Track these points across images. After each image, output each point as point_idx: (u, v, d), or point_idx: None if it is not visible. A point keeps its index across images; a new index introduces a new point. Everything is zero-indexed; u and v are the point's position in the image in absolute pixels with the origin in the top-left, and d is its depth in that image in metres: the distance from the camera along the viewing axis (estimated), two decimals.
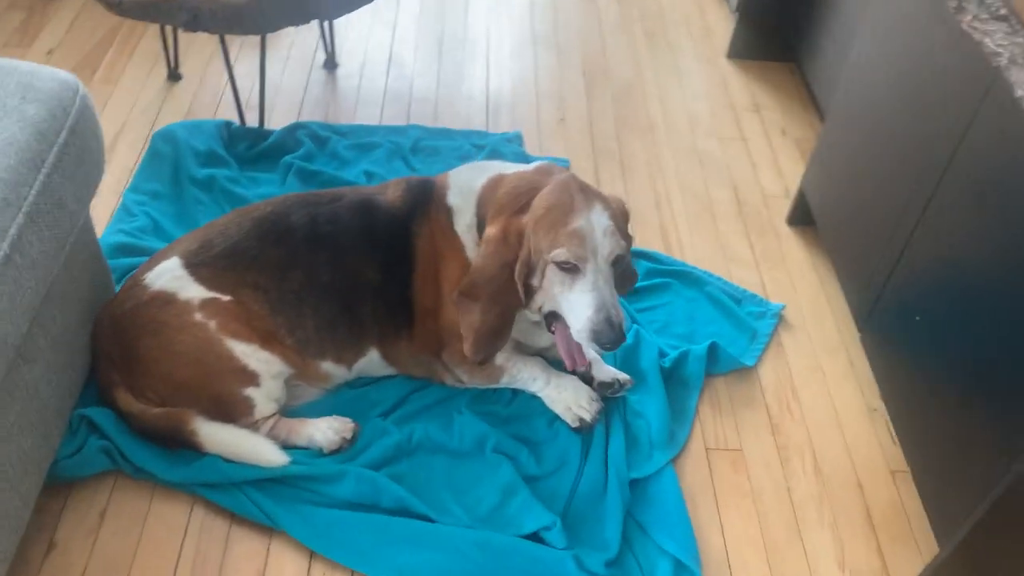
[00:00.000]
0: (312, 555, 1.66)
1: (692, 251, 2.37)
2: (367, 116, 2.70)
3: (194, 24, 2.15)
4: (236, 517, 1.70)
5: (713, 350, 2.03)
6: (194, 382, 1.72)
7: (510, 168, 1.83)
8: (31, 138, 1.43)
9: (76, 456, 1.70)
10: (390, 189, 1.89)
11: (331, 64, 2.88)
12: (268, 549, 1.67)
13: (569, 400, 1.87)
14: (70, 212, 1.53)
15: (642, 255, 2.31)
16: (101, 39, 2.89)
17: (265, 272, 1.76)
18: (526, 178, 1.76)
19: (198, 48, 2.90)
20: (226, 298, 1.74)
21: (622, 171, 2.60)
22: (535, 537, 1.68)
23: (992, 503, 1.48)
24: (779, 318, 2.19)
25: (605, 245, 1.63)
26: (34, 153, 1.43)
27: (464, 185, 1.82)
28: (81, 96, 1.57)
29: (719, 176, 2.62)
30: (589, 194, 1.69)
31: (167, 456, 1.72)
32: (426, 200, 1.84)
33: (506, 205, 1.72)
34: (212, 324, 1.71)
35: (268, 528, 1.69)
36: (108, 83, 2.73)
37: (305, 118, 2.67)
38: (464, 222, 1.80)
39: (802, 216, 2.40)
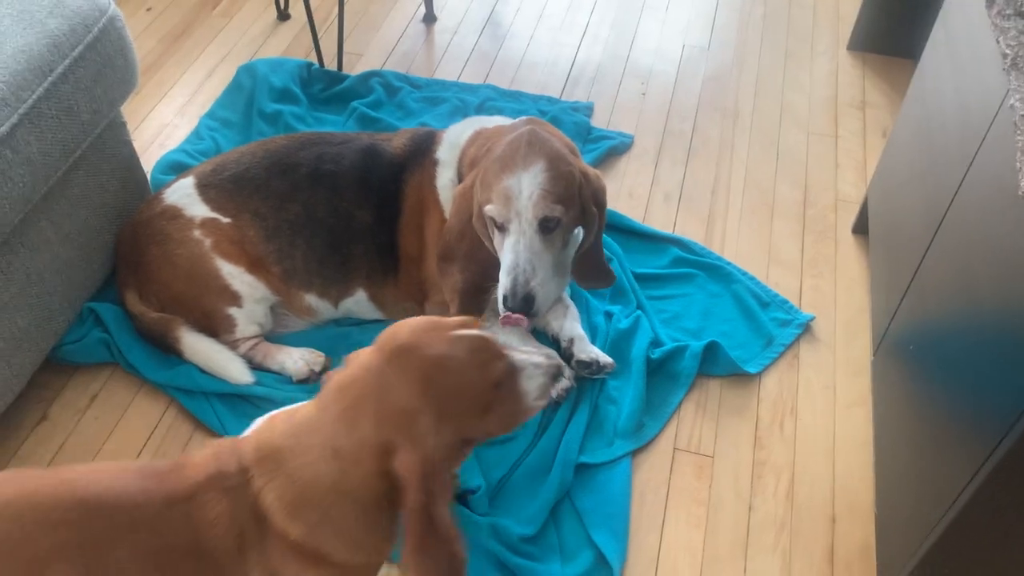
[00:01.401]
0: None
1: (734, 245, 2.23)
2: (448, 72, 2.74)
3: None
4: (200, 424, 1.82)
5: (712, 349, 1.92)
6: (187, 293, 1.85)
7: (496, 122, 1.81)
8: (44, 48, 1.58)
9: (79, 343, 1.88)
10: (397, 137, 1.92)
11: (430, 18, 2.93)
12: None
13: None
14: (83, 121, 1.69)
15: (674, 242, 2.20)
16: None
17: (267, 200, 1.85)
18: (497, 131, 1.73)
19: None
20: (226, 220, 1.85)
21: (687, 154, 2.48)
22: (461, 498, 1.69)
23: (920, 559, 1.33)
24: (804, 329, 2.02)
25: (528, 208, 1.58)
26: (44, 62, 1.58)
27: (453, 140, 1.83)
28: (109, 17, 1.71)
29: (793, 172, 2.43)
30: (536, 150, 1.60)
31: (155, 357, 1.87)
32: (423, 151, 1.86)
33: (475, 157, 1.71)
34: (207, 242, 1.83)
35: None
36: (225, 17, 2.93)
37: (392, 67, 2.74)
38: (446, 176, 1.80)
39: (866, 226, 2.19)
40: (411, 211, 1.83)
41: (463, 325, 1.14)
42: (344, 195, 1.86)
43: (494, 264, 1.71)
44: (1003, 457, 1.11)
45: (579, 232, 1.75)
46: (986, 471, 1.16)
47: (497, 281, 1.70)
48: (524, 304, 1.60)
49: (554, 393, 1.82)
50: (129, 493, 1.07)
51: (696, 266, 2.14)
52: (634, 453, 1.80)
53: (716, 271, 2.13)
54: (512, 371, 1.17)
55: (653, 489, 1.75)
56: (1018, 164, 1.11)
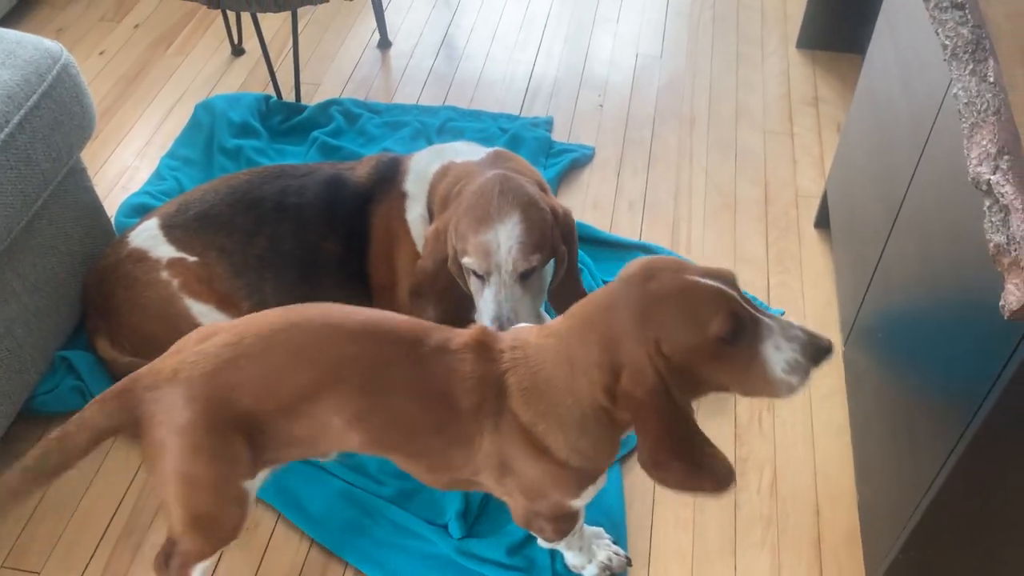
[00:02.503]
0: None
1: (700, 247, 2.26)
2: (406, 96, 2.75)
3: (216, 2, 2.28)
4: None
5: None
6: (158, 335, 1.82)
7: (463, 155, 1.82)
8: None
9: (52, 393, 1.86)
10: (361, 166, 1.93)
11: (385, 44, 2.95)
12: None
13: None
14: (42, 171, 1.68)
15: (641, 248, 2.23)
16: (183, 16, 3.10)
17: (232, 236, 1.85)
18: (468, 168, 1.75)
19: (267, 25, 3.05)
20: (192, 259, 1.84)
21: (648, 161, 2.51)
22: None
23: (904, 542, 1.35)
24: None
25: (508, 262, 1.60)
26: None
27: (420, 171, 1.84)
28: (62, 64, 1.71)
29: (752, 171, 2.48)
30: (509, 200, 1.61)
31: None
32: (389, 180, 1.86)
33: (445, 197, 1.73)
34: (175, 282, 1.82)
35: None
36: (179, 55, 2.93)
37: (350, 95, 2.76)
38: (416, 211, 1.81)
39: (827, 219, 2.23)
40: (380, 241, 1.84)
41: (711, 273, 1.16)
42: (310, 227, 1.86)
43: (468, 300, 1.73)
44: (974, 437, 1.14)
45: (552, 263, 1.76)
46: (959, 451, 1.19)
47: (470, 315, 1.72)
48: None
49: None
50: (409, 333, 1.29)
51: None
52: (621, 460, 1.81)
53: None
54: (749, 332, 1.14)
55: (640, 496, 1.77)
56: (965, 150, 1.14)
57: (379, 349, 1.27)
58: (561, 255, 1.68)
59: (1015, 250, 0.98)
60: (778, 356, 1.14)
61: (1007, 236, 1.01)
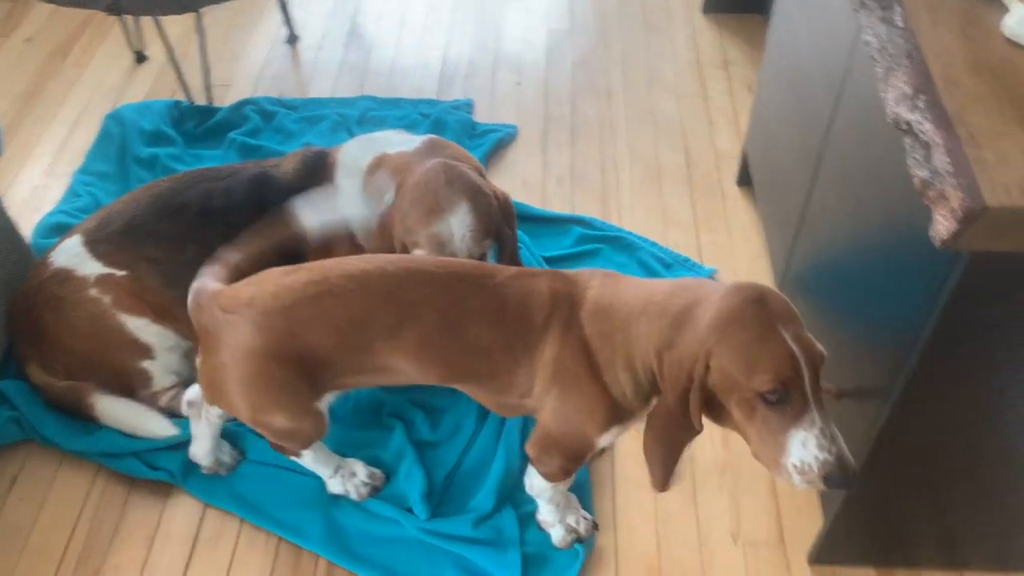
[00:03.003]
0: (202, 519, 1.71)
1: (632, 215, 2.31)
2: (321, 90, 2.72)
3: (116, 8, 2.20)
4: (135, 483, 1.76)
5: None
6: (94, 356, 1.78)
7: (395, 145, 1.81)
8: None
9: None
10: (285, 162, 1.90)
11: (292, 38, 2.90)
12: (161, 513, 1.73)
13: None
14: None
15: (576, 221, 2.26)
16: (78, 26, 2.98)
17: (160, 246, 1.80)
18: (404, 159, 1.75)
19: (169, 29, 2.96)
20: (121, 273, 1.79)
21: (572, 136, 2.54)
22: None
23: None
24: None
25: (463, 250, 1.62)
26: None
27: (351, 164, 1.82)
28: None
29: (672, 137, 2.53)
30: (457, 190, 1.63)
31: (71, 426, 1.79)
32: (317, 173, 1.84)
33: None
34: (106, 299, 1.76)
35: (164, 493, 1.75)
36: (77, 67, 2.82)
37: (263, 93, 2.70)
38: (352, 205, 1.80)
39: (748, 177, 2.31)
40: (316, 238, 1.82)
41: (803, 343, 1.15)
42: (240, 229, 1.82)
43: None
44: (916, 365, 1.20)
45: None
46: (901, 382, 1.25)
47: None
48: None
49: None
50: (479, 270, 1.38)
51: (600, 240, 2.21)
52: None
53: (619, 242, 2.20)
54: (790, 410, 1.14)
55: (599, 460, 1.80)
56: (881, 92, 1.20)
57: (454, 287, 1.35)
58: (506, 238, 1.70)
59: (939, 183, 1.04)
60: (799, 451, 1.15)
61: (930, 171, 1.06)
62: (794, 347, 1.13)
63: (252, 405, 1.41)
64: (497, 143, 2.48)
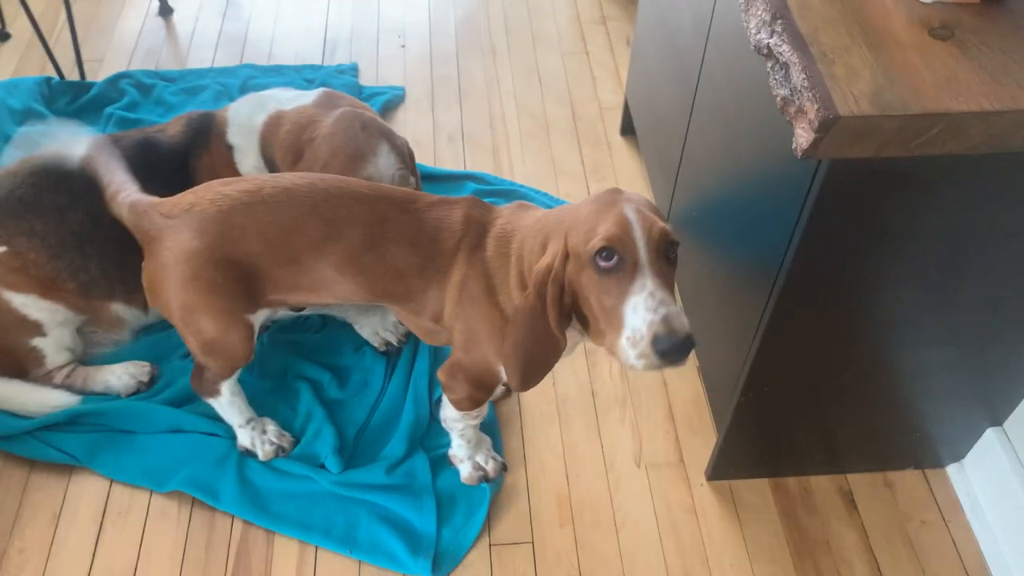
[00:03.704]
0: (109, 492, 1.69)
1: (523, 168, 2.36)
2: (200, 61, 2.66)
3: None
4: (35, 465, 1.72)
5: None
6: None
7: (288, 101, 1.81)
8: None
9: None
10: (171, 125, 1.87)
11: (166, 10, 2.82)
12: (65, 491, 1.69)
13: (376, 324, 1.88)
14: None
15: (469, 177, 2.30)
16: None
17: (41, 217, 1.74)
18: (306, 113, 1.75)
19: (32, 4, 2.82)
20: (1, 249, 1.72)
21: (459, 95, 2.58)
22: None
23: (743, 386, 1.52)
24: None
25: None
26: None
27: (244, 123, 1.81)
28: None
29: (557, 92, 2.60)
30: (372, 132, 1.66)
31: None
32: (206, 133, 1.82)
33: (291, 145, 1.72)
34: None
35: (66, 471, 1.71)
36: None
37: (137, 67, 2.62)
38: (249, 163, 1.79)
39: (631, 126, 2.39)
40: None
41: (649, 225, 1.19)
42: None
43: None
44: (786, 274, 1.30)
45: None
46: (775, 295, 1.35)
47: None
48: None
49: (395, 340, 1.88)
50: (405, 195, 1.43)
51: (494, 194, 2.25)
52: None
53: (512, 195, 2.25)
54: (624, 275, 1.17)
55: (507, 401, 1.86)
56: (744, 23, 1.28)
57: (379, 207, 1.40)
58: (417, 180, 1.73)
59: (798, 99, 1.13)
60: (631, 318, 1.15)
61: (790, 88, 1.15)
62: (631, 216, 1.19)
63: (185, 304, 1.43)
64: (385, 104, 2.49)
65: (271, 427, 1.71)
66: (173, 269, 1.41)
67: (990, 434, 1.69)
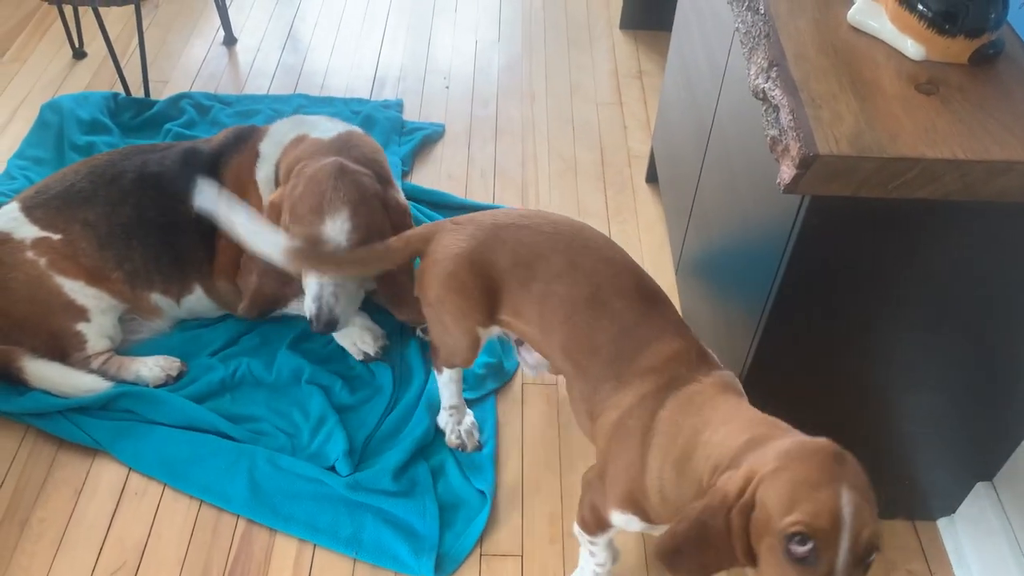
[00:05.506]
0: (128, 475, 1.79)
1: (548, 205, 2.47)
2: (257, 88, 2.83)
3: None
4: (63, 444, 1.83)
5: None
6: (30, 317, 1.85)
7: (320, 130, 1.93)
8: None
9: None
10: (217, 136, 2.02)
11: (230, 40, 3.02)
12: (88, 470, 1.80)
13: (354, 335, 1.98)
14: None
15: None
16: (18, 21, 3.06)
17: (96, 209, 1.89)
18: (314, 147, 1.85)
19: (109, 26, 3.05)
20: (57, 236, 1.87)
21: (495, 134, 2.71)
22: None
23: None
24: None
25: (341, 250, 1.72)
26: None
27: (278, 137, 1.94)
28: None
29: (589, 139, 2.71)
30: (341, 196, 1.71)
31: (1, 389, 1.86)
32: (244, 140, 1.96)
33: (288, 169, 1.84)
34: (42, 261, 1.84)
35: (91, 454, 1.82)
36: (16, 62, 2.88)
37: (199, 89, 2.80)
38: (264, 172, 1.92)
39: (655, 174, 2.49)
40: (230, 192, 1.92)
41: (857, 507, 1.01)
42: (168, 191, 1.92)
43: (291, 279, 1.87)
44: (777, 291, 1.35)
45: None
46: (755, 345, 1.42)
47: (290, 287, 1.88)
48: (327, 328, 1.78)
49: (372, 351, 1.97)
50: (652, 288, 1.47)
51: None
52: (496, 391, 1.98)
53: None
54: (819, 567, 1.01)
55: (509, 421, 1.93)
56: (746, 70, 1.38)
57: (620, 280, 1.45)
58: (384, 237, 1.79)
59: (784, 138, 1.21)
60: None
61: (779, 128, 1.24)
62: (845, 509, 1.00)
63: (437, 296, 1.55)
64: (425, 139, 2.63)
65: (467, 419, 1.86)
66: (439, 264, 1.53)
67: (980, 488, 1.71)
